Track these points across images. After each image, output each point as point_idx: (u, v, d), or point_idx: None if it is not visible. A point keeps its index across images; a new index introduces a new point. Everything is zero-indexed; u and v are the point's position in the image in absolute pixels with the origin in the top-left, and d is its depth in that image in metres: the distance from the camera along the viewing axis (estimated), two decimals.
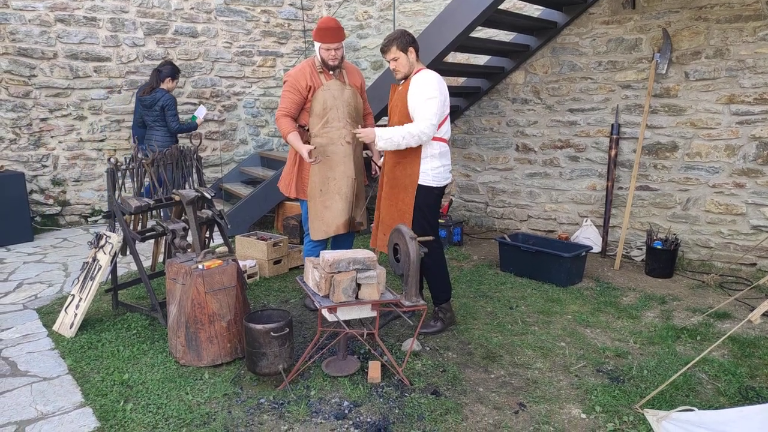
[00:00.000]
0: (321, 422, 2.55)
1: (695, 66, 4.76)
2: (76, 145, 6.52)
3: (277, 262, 4.69)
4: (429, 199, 3.40)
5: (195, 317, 3.05)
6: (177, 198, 3.87)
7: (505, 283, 4.47)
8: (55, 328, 3.57)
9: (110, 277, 3.84)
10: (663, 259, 4.69)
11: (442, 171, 3.41)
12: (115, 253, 3.61)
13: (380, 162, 3.79)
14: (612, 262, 5.07)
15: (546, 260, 4.43)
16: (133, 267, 4.79)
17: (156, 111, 5.70)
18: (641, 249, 5.19)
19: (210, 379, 2.94)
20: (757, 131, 4.53)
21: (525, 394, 2.80)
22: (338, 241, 4.10)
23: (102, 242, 3.63)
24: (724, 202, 4.77)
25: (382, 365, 2.97)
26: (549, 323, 3.68)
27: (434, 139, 3.35)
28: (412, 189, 3.38)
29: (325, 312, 2.77)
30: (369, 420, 2.56)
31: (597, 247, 5.32)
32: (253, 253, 4.66)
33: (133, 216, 3.71)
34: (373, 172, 4.08)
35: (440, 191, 3.46)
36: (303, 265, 4.94)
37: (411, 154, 3.37)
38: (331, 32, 3.61)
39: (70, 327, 3.48)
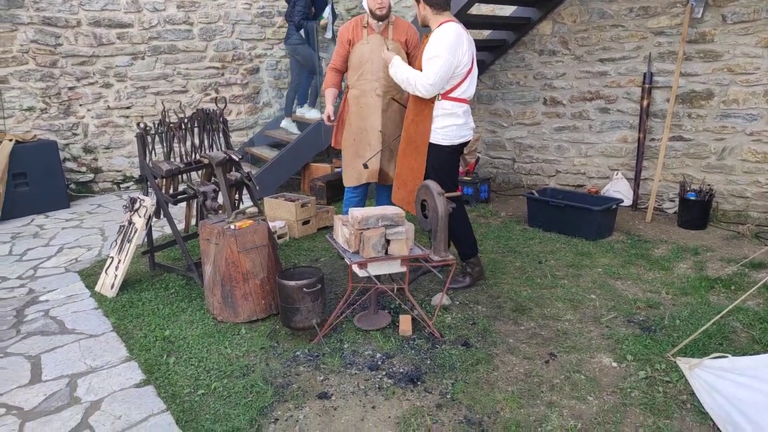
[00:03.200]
0: (355, 373, 2.63)
1: (733, 8, 4.54)
2: (104, 113, 6.62)
3: (305, 222, 4.75)
4: (440, 157, 3.37)
5: (230, 275, 3.13)
6: (206, 161, 3.92)
7: (533, 238, 4.46)
8: (96, 288, 3.71)
9: (146, 239, 3.95)
10: (696, 210, 4.60)
11: (454, 130, 3.34)
12: (150, 216, 3.70)
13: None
14: (644, 215, 4.99)
15: (575, 214, 4.38)
16: (167, 230, 4.91)
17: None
18: (674, 201, 5.09)
19: (247, 334, 3.04)
20: None
21: (555, 344, 2.83)
22: (379, 195, 4.22)
23: (136, 206, 3.73)
24: (762, 150, 4.62)
25: (413, 319, 3.02)
26: (579, 276, 3.67)
27: (445, 98, 3.28)
28: (424, 147, 3.36)
29: (355, 267, 2.81)
30: (402, 370, 2.63)
31: (628, 201, 5.23)
32: (281, 214, 4.72)
33: (164, 179, 3.78)
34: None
35: (452, 150, 3.40)
36: (332, 226, 5.00)
37: (424, 112, 3.34)
38: None
39: (111, 287, 3.61)
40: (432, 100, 3.29)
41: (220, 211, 3.57)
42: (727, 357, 2.43)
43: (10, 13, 5.90)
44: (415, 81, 3.19)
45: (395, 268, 2.85)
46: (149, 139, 3.77)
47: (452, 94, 3.28)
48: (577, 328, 2.99)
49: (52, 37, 6.16)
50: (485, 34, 6.18)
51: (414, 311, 3.07)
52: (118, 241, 3.75)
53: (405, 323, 2.97)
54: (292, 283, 2.82)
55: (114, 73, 6.56)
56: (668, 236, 4.43)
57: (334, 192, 5.74)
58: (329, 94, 4.05)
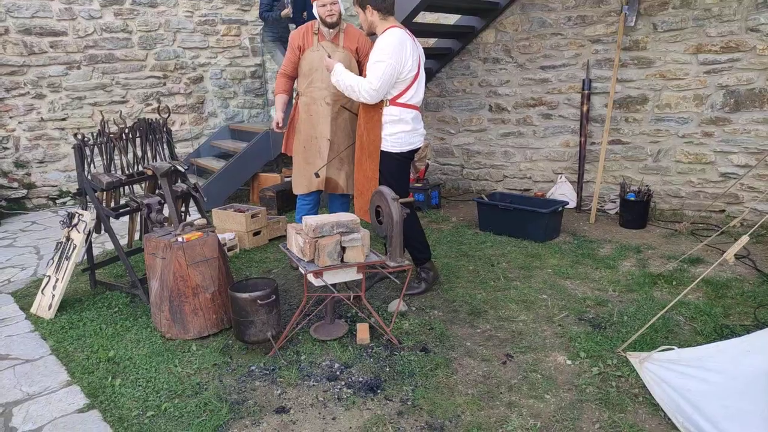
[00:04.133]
0: (313, 385, 2.57)
1: (663, 17, 4.79)
2: (37, 125, 6.28)
3: (256, 233, 4.65)
4: (390, 164, 3.37)
5: (178, 290, 3.01)
6: (149, 172, 3.78)
7: (485, 242, 4.52)
8: (32, 310, 3.49)
9: (86, 256, 3.75)
10: (636, 210, 4.79)
11: (403, 137, 3.34)
12: (90, 232, 3.52)
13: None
14: (587, 217, 5.16)
15: (524, 217, 4.48)
16: (108, 246, 4.69)
17: None
18: (615, 202, 5.29)
19: (198, 350, 2.92)
20: (723, 80, 4.61)
21: (511, 345, 2.86)
22: (332, 203, 4.20)
23: (75, 221, 3.54)
24: (693, 152, 4.87)
25: (370, 327, 2.99)
26: (530, 278, 3.74)
27: (393, 104, 3.29)
28: (376, 154, 3.36)
29: (311, 277, 2.76)
30: (361, 380, 2.59)
31: (572, 203, 5.40)
32: (231, 225, 4.60)
33: (105, 192, 3.61)
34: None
35: (402, 157, 3.40)
36: (283, 236, 4.91)
37: (374, 120, 3.34)
38: None
39: (49, 308, 3.41)
40: (380, 106, 3.29)
41: (166, 224, 3.44)
42: (673, 349, 2.52)
43: None
44: (359, 87, 3.18)
45: (351, 275, 2.82)
46: (87, 150, 3.59)
47: (399, 100, 3.29)
48: (531, 328, 3.04)
49: None
50: (431, 42, 6.27)
51: (371, 319, 3.04)
52: (56, 259, 3.54)
53: (362, 331, 2.93)
54: (245, 295, 2.74)
55: (47, 83, 6.25)
56: (611, 236, 4.59)
57: (284, 202, 5.65)
58: (279, 100, 4.00)
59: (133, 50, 6.71)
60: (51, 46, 6.21)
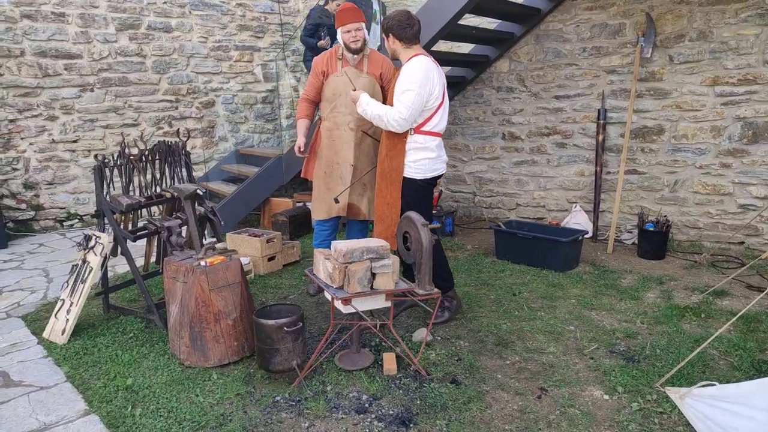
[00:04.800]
0: (342, 417, 2.47)
1: (679, 49, 4.82)
2: (48, 147, 6.24)
3: (271, 258, 4.57)
4: (414, 191, 3.34)
5: (199, 316, 2.92)
6: (168, 195, 3.72)
7: (503, 270, 4.45)
8: (45, 335, 3.39)
9: (100, 280, 3.66)
10: (655, 240, 4.75)
11: (426, 163, 3.32)
12: (107, 255, 3.44)
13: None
14: (604, 247, 5.11)
15: (543, 246, 4.42)
16: (119, 269, 4.61)
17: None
18: (632, 232, 5.25)
19: (219, 379, 2.82)
20: (741, 111, 4.62)
21: (544, 378, 2.77)
22: (350, 229, 4.15)
23: (91, 243, 3.46)
24: (711, 183, 4.85)
25: (397, 356, 2.90)
26: (554, 308, 3.67)
27: (418, 132, 3.28)
28: (398, 181, 3.33)
29: (338, 304, 2.68)
30: (391, 412, 2.49)
31: (588, 232, 5.34)
32: (246, 250, 4.53)
33: (123, 214, 3.55)
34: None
35: (425, 183, 3.38)
36: (297, 262, 4.84)
37: (397, 147, 3.31)
38: (348, 13, 3.66)
39: (62, 333, 3.31)
40: (405, 135, 3.26)
41: (186, 248, 3.37)
42: (714, 385, 2.44)
43: None
44: (387, 117, 3.16)
45: (380, 303, 2.74)
46: (107, 171, 3.54)
47: (424, 128, 3.27)
48: (563, 360, 2.95)
49: None
50: (445, 70, 6.29)
51: (398, 348, 2.95)
52: (70, 282, 3.46)
53: (389, 362, 2.84)
54: (271, 322, 2.65)
55: (60, 105, 6.24)
56: (631, 266, 4.53)
57: (296, 227, 5.59)
58: (301, 125, 3.97)
59: (146, 74, 6.73)
60: (65, 69, 6.22)
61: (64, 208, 6.43)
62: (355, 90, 3.48)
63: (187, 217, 3.60)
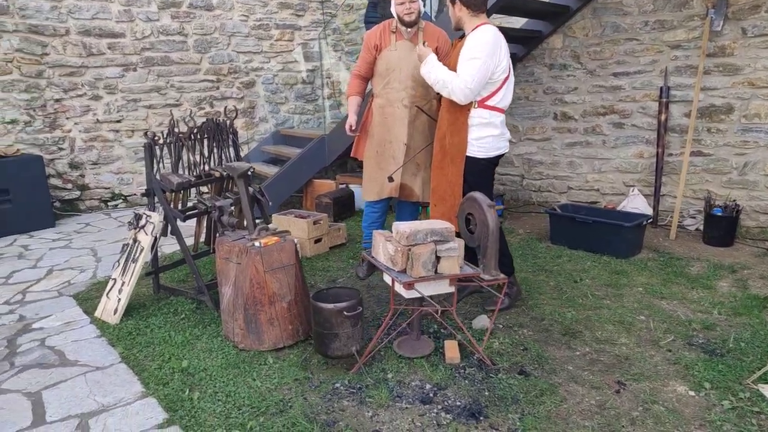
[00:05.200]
0: (406, 407, 2.34)
1: (754, 21, 4.47)
2: (92, 127, 6.25)
3: (317, 240, 4.46)
4: (475, 170, 3.15)
5: (254, 298, 2.82)
6: (217, 173, 3.63)
7: (560, 256, 4.24)
8: (97, 314, 3.35)
9: (150, 260, 3.61)
10: (723, 226, 4.46)
11: (491, 141, 3.13)
12: (157, 234, 3.37)
13: None
14: (665, 232, 4.84)
15: (605, 231, 4.19)
16: (166, 249, 4.56)
17: None
18: (695, 217, 4.96)
19: (275, 363, 2.72)
20: None
21: (620, 371, 2.58)
22: (400, 211, 4.00)
23: (142, 222, 3.40)
24: None
25: (459, 344, 2.75)
26: (620, 296, 3.46)
27: (482, 106, 3.08)
28: (460, 159, 3.14)
29: (400, 288, 2.54)
30: (459, 404, 2.35)
31: (651, 217, 5.07)
32: (292, 232, 4.42)
33: (173, 193, 3.47)
34: None
35: (488, 163, 3.19)
36: (343, 244, 4.72)
37: (459, 122, 3.12)
38: None
39: (114, 313, 3.26)
40: (467, 108, 3.07)
41: (237, 228, 3.27)
42: None
43: None
44: (452, 84, 2.97)
45: (443, 288, 2.59)
46: (157, 150, 3.45)
47: (489, 102, 3.07)
48: (637, 352, 2.76)
49: (39, 45, 5.81)
50: None
51: (458, 335, 2.80)
52: (121, 262, 3.40)
53: (452, 350, 2.70)
54: (330, 306, 2.53)
55: (104, 84, 6.22)
56: (698, 253, 4.27)
57: (340, 209, 5.47)
58: (352, 102, 3.82)
59: (188, 53, 6.66)
60: (109, 48, 6.19)
61: (109, 188, 6.45)
62: (420, 47, 3.26)
63: (237, 197, 3.50)
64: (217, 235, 3.25)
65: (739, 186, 4.76)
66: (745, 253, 4.27)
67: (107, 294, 3.36)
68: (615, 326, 3.04)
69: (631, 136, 5.31)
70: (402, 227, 2.50)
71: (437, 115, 3.73)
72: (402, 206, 4.00)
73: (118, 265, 3.42)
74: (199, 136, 3.67)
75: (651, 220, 4.88)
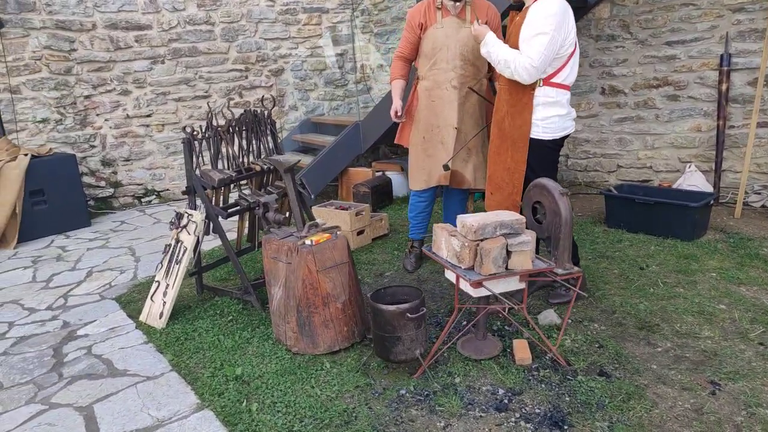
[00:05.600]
0: (480, 415, 2.16)
1: None
2: (123, 122, 6.16)
3: (360, 232, 4.28)
4: (541, 154, 2.92)
5: (307, 299, 2.66)
6: (257, 167, 3.47)
7: (620, 240, 3.99)
8: (142, 318, 3.24)
9: (193, 259, 3.48)
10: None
11: (557, 121, 2.88)
12: (201, 233, 3.23)
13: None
14: (729, 210, 4.53)
15: (668, 212, 3.91)
16: (205, 247, 4.44)
17: None
18: (760, 193, 4.63)
19: (332, 368, 2.57)
20: None
21: (711, 369, 2.35)
22: (448, 200, 3.80)
23: (184, 221, 3.26)
24: None
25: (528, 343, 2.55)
26: (694, 283, 3.20)
27: (547, 84, 2.83)
28: (523, 143, 2.89)
29: (467, 287, 2.34)
30: (538, 411, 2.16)
31: (715, 195, 4.76)
32: (334, 224, 4.25)
33: (214, 190, 3.31)
34: None
35: (553, 145, 2.96)
36: (386, 235, 4.53)
37: (521, 102, 2.87)
38: None
39: (160, 317, 3.14)
40: (531, 87, 2.83)
41: (284, 225, 3.10)
42: None
43: (21, 18, 5.45)
44: (515, 63, 2.73)
45: (513, 284, 2.38)
46: (196, 144, 3.30)
47: (555, 80, 2.82)
48: (725, 347, 2.52)
49: (66, 41, 5.71)
50: None
51: (525, 334, 2.60)
52: (164, 263, 3.28)
53: (522, 350, 2.50)
54: (392, 307, 2.35)
55: (132, 78, 6.11)
56: (767, 232, 3.97)
57: (379, 198, 5.28)
58: (396, 86, 3.60)
59: (215, 43, 6.50)
60: (136, 41, 6.06)
61: (142, 184, 6.37)
62: (475, 26, 3.01)
63: (280, 191, 3.34)
64: (262, 232, 3.10)
65: None
66: None
67: (151, 297, 3.25)
68: (695, 317, 2.80)
69: (687, 109, 4.98)
70: (469, 220, 2.30)
71: (488, 95, 3.50)
72: (451, 194, 3.79)
73: (161, 267, 3.29)
74: (237, 129, 3.50)
75: (715, 198, 4.57)
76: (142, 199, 6.38)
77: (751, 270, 3.33)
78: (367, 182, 5.33)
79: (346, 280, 2.75)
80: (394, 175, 5.62)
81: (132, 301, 3.56)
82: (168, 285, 3.20)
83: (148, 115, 6.27)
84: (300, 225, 2.85)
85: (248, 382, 2.49)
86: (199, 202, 3.34)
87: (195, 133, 3.29)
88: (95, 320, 3.32)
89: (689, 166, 4.99)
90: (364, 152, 5.83)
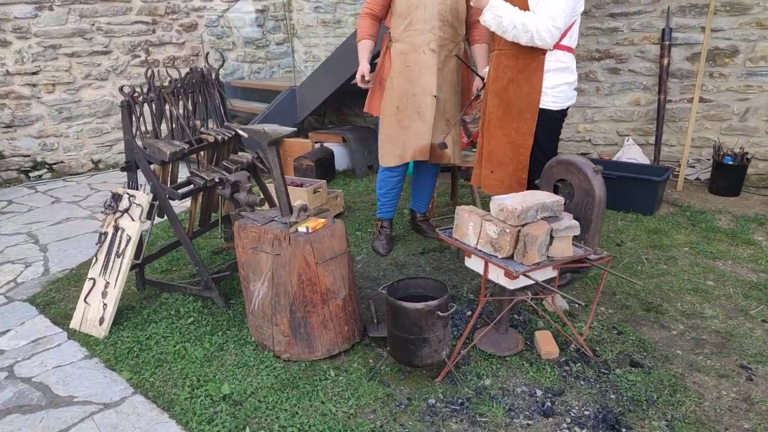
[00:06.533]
0: (528, 423, 1.93)
1: None
2: (2, 80, 5.09)
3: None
4: (546, 126, 2.70)
5: (304, 297, 2.25)
6: (210, 138, 2.92)
7: None
8: (74, 325, 2.62)
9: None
10: (732, 176, 4.35)
11: (566, 90, 2.68)
12: (151, 218, 2.66)
13: (484, 73, 3.00)
14: (671, 184, 4.67)
15: (631, 186, 3.92)
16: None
17: None
18: (694, 167, 4.84)
19: (338, 376, 2.20)
20: None
21: (735, 353, 2.31)
22: (419, 173, 3.49)
23: (124, 204, 2.65)
24: None
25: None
26: (674, 259, 3.20)
27: (559, 47, 2.60)
28: (531, 114, 2.65)
29: (500, 278, 2.07)
30: (587, 413, 1.97)
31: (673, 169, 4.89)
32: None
33: (163, 166, 2.73)
34: (476, 89, 3.29)
35: (560, 116, 2.76)
36: (342, 213, 4.14)
37: (530, 68, 2.61)
38: None
39: (100, 323, 2.55)
40: (542, 52, 2.57)
41: (257, 207, 2.63)
42: None
43: None
44: (535, 26, 2.44)
45: (548, 273, 2.15)
46: (137, 109, 2.68)
47: (563, 42, 2.59)
48: (733, 326, 2.50)
49: None
50: None
51: (548, 325, 2.41)
52: (100, 257, 2.66)
53: (548, 342, 2.30)
54: (419, 305, 2.02)
55: (12, 27, 5.04)
56: (712, 205, 4.13)
57: (323, 172, 4.84)
58: (363, 47, 3.19)
59: None
60: None
61: (29, 155, 5.36)
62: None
63: (238, 166, 2.84)
64: (215, 215, 2.60)
65: (738, 132, 4.65)
66: (755, 202, 4.19)
67: (85, 299, 2.63)
68: (692, 296, 2.78)
69: (628, 83, 5.05)
70: (509, 202, 2.01)
71: (466, 60, 3.21)
72: (422, 169, 3.48)
73: (96, 261, 2.67)
74: (183, 91, 2.91)
75: (673, 171, 4.69)
76: (30, 174, 5.38)
77: (717, 243, 3.40)
78: (310, 155, 4.86)
79: (346, 273, 2.37)
80: (334, 147, 5.19)
81: (52, 302, 2.89)
82: (108, 283, 2.60)
83: (35, 73, 5.23)
84: (286, 208, 2.39)
85: (241, 403, 2.06)
86: (141, 179, 2.74)
87: (136, 94, 2.66)
88: (9, 330, 2.64)
89: (627, 140, 5.09)
90: (300, 120, 5.34)
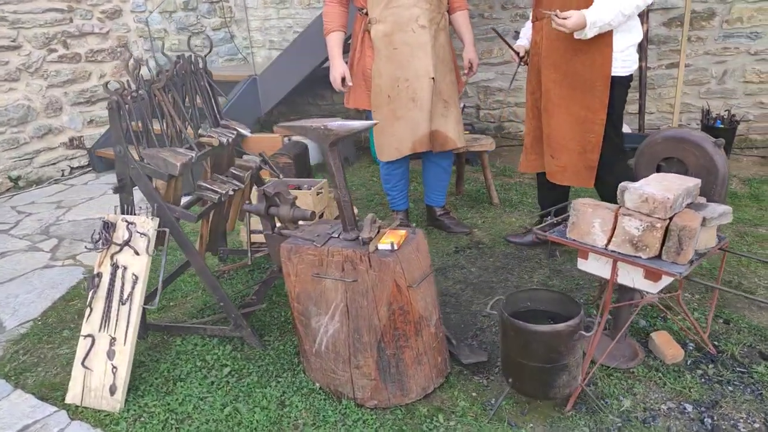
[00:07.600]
0: None
1: None
2: None
3: (320, 216, 3.35)
4: (617, 96, 2.40)
5: (395, 330, 1.80)
6: (214, 142, 2.36)
7: (585, 190, 3.72)
8: (72, 399, 2.00)
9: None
10: (723, 139, 4.32)
11: (632, 52, 2.39)
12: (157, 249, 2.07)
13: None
14: None
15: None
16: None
17: None
18: None
19: (448, 421, 1.79)
20: None
21: None
22: (431, 168, 3.12)
23: (122, 236, 2.04)
24: (766, 70, 4.48)
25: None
26: None
27: None
28: (603, 84, 2.32)
29: (639, 281, 1.74)
30: (757, 426, 1.70)
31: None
32: None
33: (171, 181, 2.14)
34: (468, 61, 2.95)
35: (628, 82, 2.46)
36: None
37: (600, 34, 2.28)
38: None
39: (112, 392, 1.96)
40: None
41: (299, 222, 2.11)
42: None
43: None
44: None
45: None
46: (127, 109, 2.06)
47: None
48: None
49: None
50: None
51: (675, 325, 2.13)
52: (96, 307, 2.04)
53: (670, 345, 2.01)
54: (560, 327, 1.64)
55: None
56: None
57: (301, 169, 4.31)
58: (334, 41, 2.79)
59: None
60: None
61: None
62: (559, 16, 2.16)
63: (242, 174, 2.31)
64: (265, 236, 2.08)
65: (717, 95, 4.66)
66: (748, 163, 4.20)
67: (83, 363, 2.01)
68: (757, 268, 2.61)
69: None
70: (651, 191, 1.67)
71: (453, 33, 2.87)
72: (431, 161, 3.08)
73: (90, 313, 2.05)
74: (175, 86, 2.31)
75: None
76: None
77: (747, 210, 3.30)
78: (285, 151, 4.30)
79: (433, 293, 1.94)
80: (307, 141, 4.65)
81: (26, 369, 2.23)
82: (114, 339, 2.00)
83: None
84: (351, 221, 1.91)
85: None
86: (139, 200, 2.13)
87: (124, 92, 2.04)
88: None
89: None
90: (263, 114, 4.75)
